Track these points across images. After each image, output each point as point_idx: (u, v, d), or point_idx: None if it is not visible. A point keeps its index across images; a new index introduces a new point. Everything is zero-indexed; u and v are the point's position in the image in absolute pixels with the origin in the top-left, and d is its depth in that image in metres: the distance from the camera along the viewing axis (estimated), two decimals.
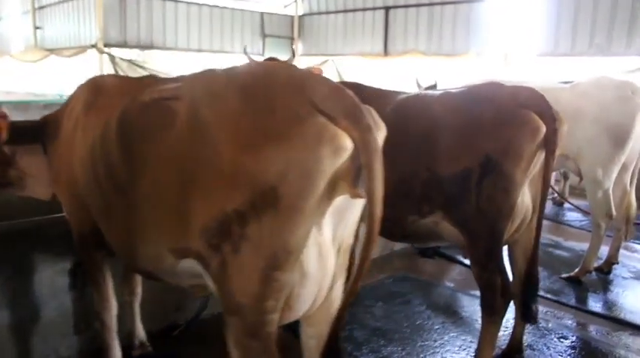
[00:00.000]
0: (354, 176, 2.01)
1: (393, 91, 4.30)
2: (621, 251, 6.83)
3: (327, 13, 16.90)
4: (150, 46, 15.02)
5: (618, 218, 5.91)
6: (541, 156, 3.33)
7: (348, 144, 1.95)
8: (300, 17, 17.93)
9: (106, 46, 13.92)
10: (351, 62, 15.40)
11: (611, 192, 5.65)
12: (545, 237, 7.35)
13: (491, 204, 3.23)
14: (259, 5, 17.58)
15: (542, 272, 5.98)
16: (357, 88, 4.67)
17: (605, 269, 6.05)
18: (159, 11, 14.92)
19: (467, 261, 3.65)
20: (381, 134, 2.13)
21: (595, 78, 5.94)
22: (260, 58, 17.18)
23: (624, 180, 5.87)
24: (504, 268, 3.44)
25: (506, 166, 3.19)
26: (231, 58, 16.26)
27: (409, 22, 14.60)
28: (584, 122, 5.58)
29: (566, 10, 11.39)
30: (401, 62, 14.37)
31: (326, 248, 2.16)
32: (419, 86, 7.88)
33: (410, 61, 14.14)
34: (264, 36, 17.47)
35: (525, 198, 3.44)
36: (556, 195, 9.02)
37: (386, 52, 15.51)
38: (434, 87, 7.79)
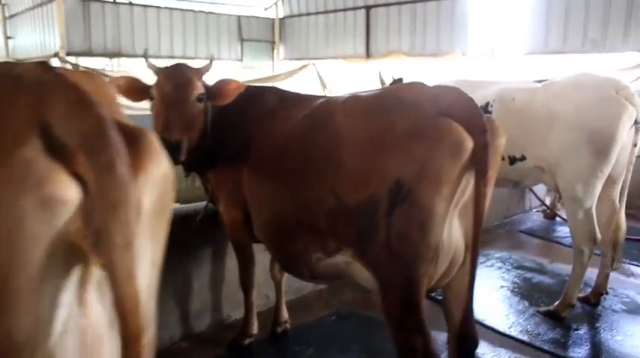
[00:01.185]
0: None
1: (313, 96, 3.64)
2: (615, 275, 5.90)
3: (308, 14, 16.07)
4: (118, 54, 14.24)
5: (606, 241, 4.98)
6: (471, 180, 2.56)
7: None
8: (281, 20, 17.10)
9: (69, 54, 13.16)
10: (332, 66, 14.56)
11: (594, 211, 4.72)
12: (528, 258, 6.41)
13: (405, 243, 2.54)
14: (236, 9, 16.77)
15: (517, 305, 5.09)
16: (275, 93, 3.86)
17: (592, 301, 5.10)
18: (126, 17, 14.14)
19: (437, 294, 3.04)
20: None
21: (573, 75, 5.01)
22: (238, 64, 16.45)
23: (612, 196, 4.93)
24: (425, 327, 2.66)
25: (421, 194, 2.49)
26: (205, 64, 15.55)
27: (391, 21, 13.76)
28: (560, 128, 4.66)
29: (557, 3, 10.43)
30: (384, 64, 13.52)
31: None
32: (382, 83, 6.97)
33: (393, 62, 13.32)
34: (241, 40, 16.63)
35: (454, 233, 2.68)
36: (546, 207, 8.11)
37: (368, 54, 14.70)
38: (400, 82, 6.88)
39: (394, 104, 2.69)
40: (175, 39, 15.26)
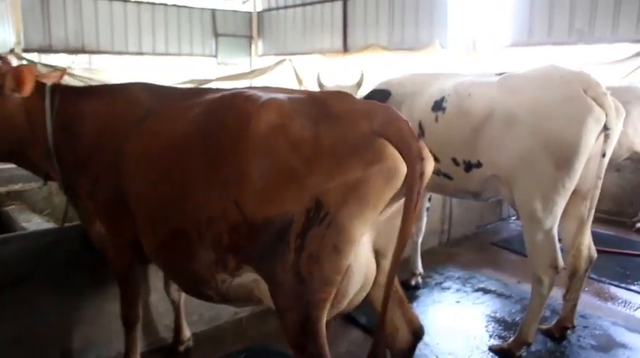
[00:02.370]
0: None
1: (203, 90, 3.11)
2: (590, 298, 5.11)
3: (286, 7, 15.26)
4: (80, 50, 13.48)
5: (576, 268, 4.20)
6: (395, 204, 2.44)
7: None
8: (259, 14, 16.28)
9: (27, 51, 12.40)
10: (309, 61, 13.78)
11: (556, 233, 3.93)
12: (494, 277, 5.60)
13: (315, 266, 2.34)
14: (210, 2, 15.92)
15: (468, 339, 4.29)
16: (148, 89, 3.28)
17: (557, 335, 4.31)
18: (89, 11, 13.33)
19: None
20: None
21: (536, 68, 4.22)
22: (212, 60, 15.70)
23: (581, 212, 4.13)
24: (325, 352, 2.46)
25: (342, 217, 2.30)
26: (178, 61, 14.79)
27: (369, 14, 12.97)
28: (517, 131, 3.88)
29: None
30: (361, 59, 12.76)
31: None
32: (320, 86, 6.20)
33: (370, 57, 12.55)
34: (216, 35, 15.82)
35: (365, 254, 2.55)
36: None
37: (346, 48, 13.92)
38: (359, 84, 6.13)
39: (321, 114, 2.40)
40: (144, 34, 14.43)
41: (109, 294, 3.77)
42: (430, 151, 2.37)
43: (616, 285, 5.45)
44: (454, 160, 4.39)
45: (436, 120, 4.44)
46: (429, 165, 2.37)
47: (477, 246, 6.82)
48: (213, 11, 15.76)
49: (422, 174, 2.29)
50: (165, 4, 14.83)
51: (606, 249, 6.53)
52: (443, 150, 4.47)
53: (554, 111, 3.75)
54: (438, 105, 4.43)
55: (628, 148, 7.34)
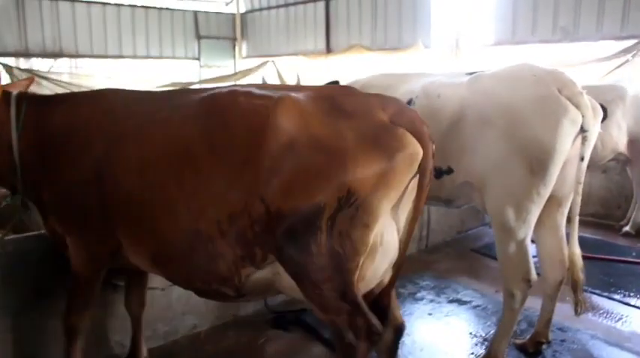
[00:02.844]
0: None
1: (178, 91, 3.26)
2: (568, 310, 4.86)
3: (269, 8, 14.99)
4: (59, 54, 13.16)
5: (550, 280, 3.96)
6: (412, 184, 2.69)
7: None
8: (243, 15, 16.00)
9: (2, 55, 12.05)
10: (292, 62, 13.53)
11: (529, 243, 3.68)
12: (471, 287, 5.33)
13: (346, 240, 2.56)
14: (192, 4, 15.61)
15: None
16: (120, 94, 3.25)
17: (531, 350, 4.05)
18: (67, 14, 13.00)
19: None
20: None
21: (507, 67, 3.98)
22: (195, 62, 15.44)
23: (557, 223, 3.89)
24: (364, 307, 2.70)
25: (372, 201, 2.54)
26: (159, 64, 14.51)
27: (351, 14, 12.72)
28: (488, 135, 3.63)
29: None
30: (344, 60, 12.54)
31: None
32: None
33: (353, 57, 12.33)
34: (199, 38, 15.53)
35: (392, 233, 2.77)
36: None
37: (329, 49, 13.66)
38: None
39: (334, 109, 2.60)
40: (124, 37, 14.13)
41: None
42: None
43: (598, 294, 5.20)
44: None
45: None
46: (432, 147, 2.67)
47: (457, 252, 6.56)
48: (196, 13, 15.47)
49: (433, 154, 2.66)
50: (146, 7, 14.52)
51: (590, 255, 6.29)
52: None
53: (528, 112, 3.51)
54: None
55: (612, 149, 7.10)
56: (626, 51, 8.22)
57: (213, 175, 2.60)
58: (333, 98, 2.66)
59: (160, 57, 14.67)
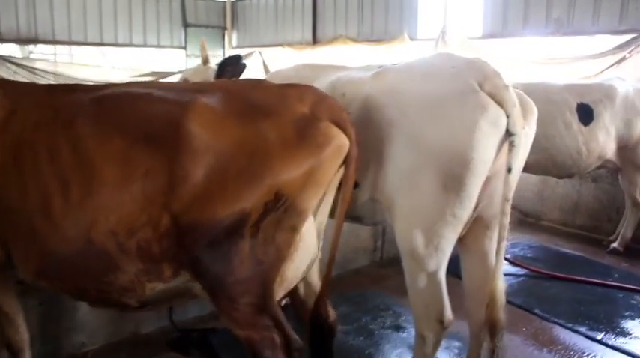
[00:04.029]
0: None
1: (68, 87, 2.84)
2: (523, 344, 4.19)
3: None
4: (34, 40, 12.64)
5: (476, 317, 3.28)
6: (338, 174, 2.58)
7: None
8: (233, 3, 15.34)
9: None
10: (278, 53, 12.89)
11: (443, 276, 3.00)
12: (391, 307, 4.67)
13: (271, 248, 2.41)
14: None
15: None
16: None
17: None
18: None
19: None
20: None
21: (422, 58, 3.30)
22: (181, 52, 14.87)
23: (486, 248, 3.20)
24: (283, 321, 2.55)
25: (300, 201, 2.40)
26: (142, 52, 13.99)
27: (338, 3, 12.05)
28: (395, 142, 2.96)
29: None
30: (331, 51, 11.89)
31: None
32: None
33: (340, 49, 11.68)
34: (185, 26, 14.93)
35: (312, 231, 2.63)
36: None
37: (315, 40, 12.99)
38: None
39: (255, 107, 2.44)
40: (105, 24, 13.56)
41: None
42: None
43: (561, 325, 4.51)
44: None
45: None
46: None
47: None
48: (183, 0, 14.87)
49: (358, 142, 2.55)
50: None
51: (561, 275, 5.59)
52: None
53: (438, 113, 2.84)
54: None
55: (599, 156, 6.32)
56: (623, 46, 7.42)
57: (106, 185, 2.40)
58: (246, 95, 2.51)
59: (144, 45, 14.12)
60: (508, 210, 2.91)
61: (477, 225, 3.14)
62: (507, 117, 2.77)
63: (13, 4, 12.15)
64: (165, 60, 14.09)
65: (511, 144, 2.79)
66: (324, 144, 2.41)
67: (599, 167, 6.57)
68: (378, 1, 11.25)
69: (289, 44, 13.13)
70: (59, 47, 14.19)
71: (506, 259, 5.94)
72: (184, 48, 14.61)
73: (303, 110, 2.46)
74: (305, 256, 2.61)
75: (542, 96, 6.47)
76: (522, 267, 5.82)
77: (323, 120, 2.45)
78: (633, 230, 6.49)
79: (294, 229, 2.44)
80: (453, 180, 2.79)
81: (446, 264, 3.01)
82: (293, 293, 3.21)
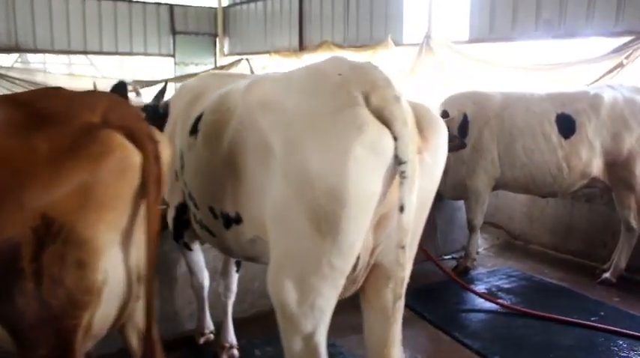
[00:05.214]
0: None
1: None
2: None
3: (249, 2, 13.82)
4: (15, 49, 12.31)
5: None
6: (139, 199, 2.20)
7: None
8: (225, 9, 14.85)
9: None
10: (266, 60, 12.38)
11: (322, 339, 2.38)
12: (354, 354, 4.01)
13: (59, 288, 2.07)
14: None
15: None
16: None
17: None
18: (24, 5, 12.12)
19: None
20: None
21: (308, 65, 2.70)
22: (169, 60, 14.47)
23: (388, 303, 2.55)
24: None
25: (80, 227, 2.06)
26: (130, 60, 13.61)
27: (324, 8, 11.53)
28: (270, 170, 2.36)
29: None
30: (316, 58, 11.37)
31: None
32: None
33: (325, 55, 11.12)
34: (174, 33, 14.49)
35: (121, 266, 2.25)
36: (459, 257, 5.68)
37: (302, 46, 12.44)
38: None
39: (30, 116, 2.12)
40: (90, 31, 13.17)
41: None
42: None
43: None
44: (211, 210, 2.95)
45: (189, 148, 3.08)
46: (165, 149, 2.31)
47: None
48: (171, 6, 14.40)
49: (157, 158, 2.20)
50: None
51: (535, 313, 4.86)
52: (199, 195, 3.07)
53: (311, 134, 2.22)
54: (195, 127, 3.07)
55: (582, 173, 5.58)
56: (619, 49, 6.66)
57: None
58: (33, 103, 2.23)
59: (130, 53, 13.72)
60: (404, 259, 2.27)
61: (377, 275, 2.54)
62: (395, 139, 2.13)
63: None
64: (154, 67, 13.69)
65: (402, 176, 2.14)
66: (101, 156, 2.07)
67: (587, 186, 5.82)
68: (364, 7, 10.69)
69: (277, 51, 12.64)
70: (49, 56, 13.92)
71: (473, 291, 5.24)
72: (173, 56, 14.17)
73: (92, 119, 2.14)
74: (113, 300, 2.27)
75: (521, 106, 5.78)
76: (492, 301, 5.11)
77: (108, 129, 2.12)
78: (627, 258, 5.71)
79: (84, 265, 2.10)
80: (327, 220, 2.17)
81: (327, 326, 2.39)
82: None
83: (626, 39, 6.57)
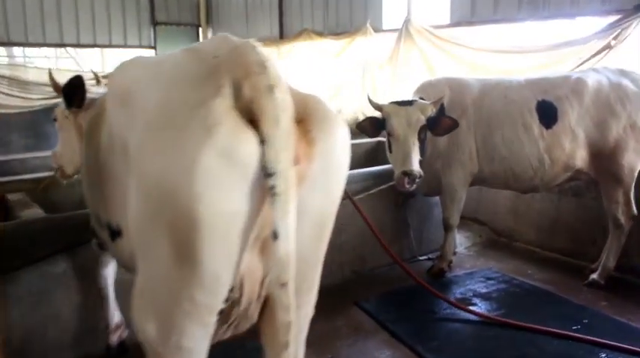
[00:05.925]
0: None
1: None
2: None
3: None
4: None
5: None
6: None
7: None
8: None
9: None
10: None
11: None
12: None
13: None
14: None
15: None
16: None
17: None
18: None
19: None
20: None
21: (194, 44, 2.31)
22: (150, 52, 13.98)
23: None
24: None
25: None
26: (108, 53, 13.18)
27: None
28: (130, 178, 1.94)
29: None
30: (297, 46, 10.91)
31: None
32: None
33: (304, 44, 10.67)
34: (154, 24, 14.02)
35: None
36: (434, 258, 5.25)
37: (282, 35, 11.94)
38: None
39: None
40: (66, 22, 12.71)
41: None
42: None
43: None
44: (98, 219, 2.53)
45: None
46: None
47: (337, 306, 4.77)
48: None
49: None
50: None
51: (509, 322, 4.43)
52: (88, 201, 2.67)
53: (163, 136, 1.78)
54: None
55: (566, 165, 5.11)
56: (607, 29, 6.14)
57: None
58: None
59: (109, 45, 13.24)
60: (288, 300, 1.82)
61: (273, 308, 2.08)
62: (263, 144, 1.68)
63: None
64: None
65: (272, 192, 1.68)
66: None
67: (570, 179, 5.35)
68: None
69: (260, 40, 12.11)
70: (32, 50, 13.49)
71: (442, 298, 4.79)
72: (154, 47, 13.70)
73: None
74: None
75: (499, 94, 5.29)
76: (463, 309, 4.67)
77: None
78: (616, 258, 5.25)
79: None
80: (183, 245, 1.73)
81: None
82: None
83: (614, 18, 6.05)
